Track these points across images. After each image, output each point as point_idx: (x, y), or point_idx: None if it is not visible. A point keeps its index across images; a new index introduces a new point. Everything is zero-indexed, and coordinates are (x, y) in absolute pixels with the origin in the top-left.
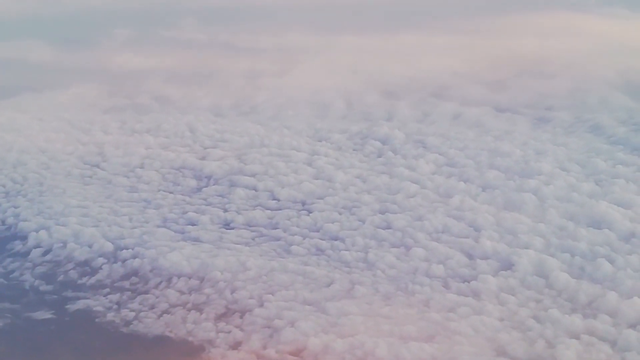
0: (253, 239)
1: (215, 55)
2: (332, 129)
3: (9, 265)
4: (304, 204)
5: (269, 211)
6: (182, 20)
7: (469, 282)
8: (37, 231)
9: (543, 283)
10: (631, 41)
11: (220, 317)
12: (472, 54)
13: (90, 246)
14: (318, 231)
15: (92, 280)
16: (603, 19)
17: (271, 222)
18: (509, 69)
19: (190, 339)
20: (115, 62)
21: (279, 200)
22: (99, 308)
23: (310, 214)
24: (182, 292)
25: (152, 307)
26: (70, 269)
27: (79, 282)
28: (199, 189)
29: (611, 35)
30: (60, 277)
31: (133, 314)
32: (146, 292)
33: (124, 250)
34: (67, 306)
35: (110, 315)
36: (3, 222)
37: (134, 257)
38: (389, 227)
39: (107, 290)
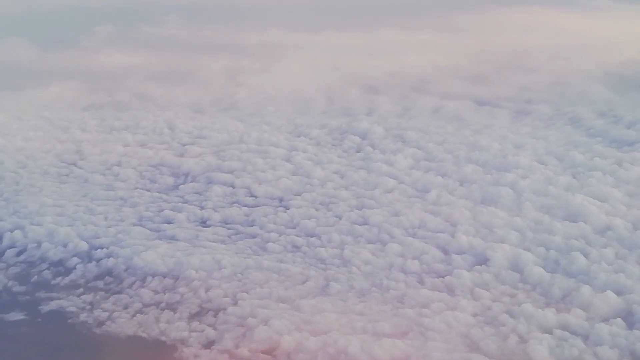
0: (229, 237)
1: (196, 52)
2: (311, 125)
3: None
4: (281, 200)
5: (245, 208)
6: (164, 17)
7: (443, 277)
8: (11, 231)
9: (517, 277)
10: (613, 33)
11: (193, 316)
12: (453, 49)
13: (64, 246)
14: (294, 228)
15: (66, 280)
16: (585, 12)
17: (248, 220)
18: (490, 63)
19: (163, 338)
20: (96, 59)
21: (256, 197)
22: (72, 308)
23: (287, 211)
24: (156, 292)
25: (126, 307)
26: (44, 269)
27: (53, 282)
28: (176, 187)
29: (593, 27)
30: (34, 278)
31: (106, 314)
32: (120, 292)
33: (99, 250)
34: (40, 307)
35: (83, 316)
36: None
37: (109, 256)
38: (365, 223)
39: (81, 290)
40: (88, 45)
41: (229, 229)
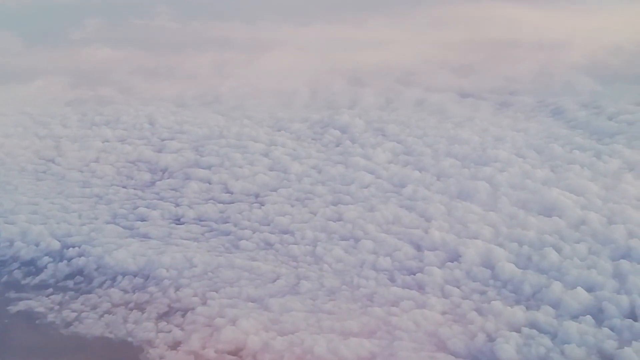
0: (202, 234)
1: (183, 45)
2: (293, 118)
3: None
4: (257, 196)
5: (221, 205)
6: (152, 10)
7: (414, 274)
8: None
9: (489, 274)
10: (596, 25)
11: (161, 317)
12: (438, 42)
13: (37, 245)
14: (268, 225)
15: (36, 280)
16: (569, 4)
17: (222, 216)
18: (475, 55)
19: (129, 339)
20: (82, 53)
21: (232, 193)
22: (41, 309)
23: (262, 207)
24: (125, 291)
25: (94, 307)
26: (15, 269)
27: (23, 282)
28: (153, 183)
29: (575, 19)
30: (4, 278)
31: (74, 314)
32: (89, 292)
33: (71, 249)
34: (9, 307)
35: (51, 317)
36: None
37: (80, 255)
38: (339, 219)
39: (51, 290)
40: (75, 39)
41: (203, 226)
